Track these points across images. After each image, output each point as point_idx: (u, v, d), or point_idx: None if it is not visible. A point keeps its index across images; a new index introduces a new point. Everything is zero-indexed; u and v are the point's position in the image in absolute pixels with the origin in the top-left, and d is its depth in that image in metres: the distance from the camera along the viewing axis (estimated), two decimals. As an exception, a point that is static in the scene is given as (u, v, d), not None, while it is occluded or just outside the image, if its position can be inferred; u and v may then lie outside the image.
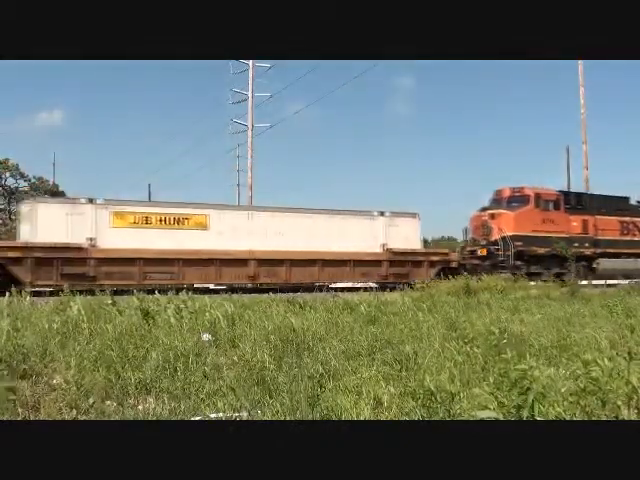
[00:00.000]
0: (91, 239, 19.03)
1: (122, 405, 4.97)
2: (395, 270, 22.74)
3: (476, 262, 23.28)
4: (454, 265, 23.33)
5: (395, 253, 22.76)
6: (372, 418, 4.32)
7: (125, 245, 19.23)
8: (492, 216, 23.96)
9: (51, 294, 15.97)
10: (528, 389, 3.54)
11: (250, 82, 35.89)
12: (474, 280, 17.54)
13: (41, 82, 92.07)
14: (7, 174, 49.39)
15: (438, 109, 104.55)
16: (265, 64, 36.21)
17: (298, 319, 8.84)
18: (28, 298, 11.76)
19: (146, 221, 20.01)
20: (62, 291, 13.00)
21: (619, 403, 3.59)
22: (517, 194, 24.58)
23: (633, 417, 3.53)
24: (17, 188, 49.19)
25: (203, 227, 20.65)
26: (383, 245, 22.87)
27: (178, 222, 20.42)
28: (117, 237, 19.33)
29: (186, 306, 10.44)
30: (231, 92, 37.77)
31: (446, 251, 24.48)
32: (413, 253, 23.19)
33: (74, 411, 4.67)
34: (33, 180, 50.40)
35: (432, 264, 23.17)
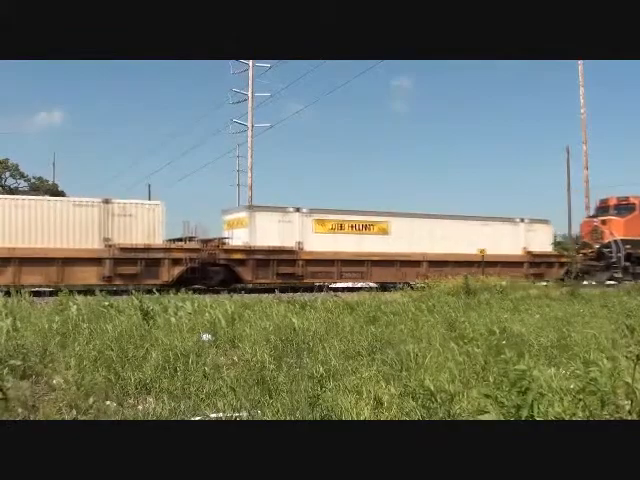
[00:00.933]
0: (299, 243, 21.99)
1: (122, 405, 4.97)
2: (534, 270, 25.52)
3: (591, 263, 25.63)
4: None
5: (534, 255, 25.78)
6: (372, 418, 4.32)
7: (325, 248, 22.12)
8: (603, 222, 26.66)
9: (51, 294, 15.98)
10: (527, 389, 3.54)
11: (250, 82, 35.88)
12: (473, 280, 17.56)
13: (41, 82, 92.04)
14: (7, 174, 49.40)
15: (438, 108, 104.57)
16: (265, 64, 36.23)
17: (298, 319, 8.84)
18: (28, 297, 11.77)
19: (340, 227, 22.97)
20: (61, 291, 13.07)
21: (619, 403, 3.59)
22: (623, 203, 27.35)
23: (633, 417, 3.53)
24: (17, 188, 49.19)
25: (384, 232, 23.64)
26: (524, 248, 25.88)
27: (365, 228, 23.36)
28: (318, 241, 22.27)
29: (186, 306, 10.44)
30: (231, 92, 37.78)
31: (573, 254, 26.04)
32: (548, 255, 25.96)
33: (74, 411, 4.68)
34: (33, 180, 50.41)
35: (561, 265, 25.44)
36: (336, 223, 22.85)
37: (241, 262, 20.92)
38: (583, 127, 34.42)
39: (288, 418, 4.36)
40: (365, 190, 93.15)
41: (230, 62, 36.63)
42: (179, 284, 18.09)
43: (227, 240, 21.79)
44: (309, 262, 21.84)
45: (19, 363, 5.55)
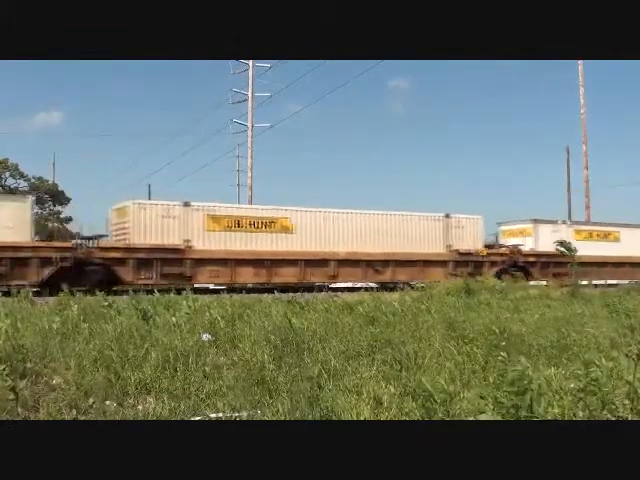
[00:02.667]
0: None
1: (122, 405, 4.97)
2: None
3: None
4: None
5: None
6: (372, 418, 4.32)
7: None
8: None
9: (51, 294, 15.96)
10: (526, 389, 3.54)
11: (250, 82, 35.89)
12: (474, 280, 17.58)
13: (41, 82, 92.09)
14: (7, 174, 49.40)
15: (437, 109, 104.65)
16: (265, 64, 36.23)
17: (298, 319, 8.83)
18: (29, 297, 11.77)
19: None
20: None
21: (620, 403, 3.59)
22: None
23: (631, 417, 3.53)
24: (17, 188, 49.19)
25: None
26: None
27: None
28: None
29: (187, 306, 10.44)
30: (231, 92, 37.78)
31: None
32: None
33: (74, 411, 4.68)
34: (33, 180, 50.40)
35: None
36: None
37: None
38: (583, 127, 34.45)
39: (288, 418, 4.36)
40: (365, 190, 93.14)
41: (230, 62, 36.68)
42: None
43: None
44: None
45: (19, 363, 5.55)
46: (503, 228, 28.83)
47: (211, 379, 5.65)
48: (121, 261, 19.40)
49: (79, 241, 19.42)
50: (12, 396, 4.52)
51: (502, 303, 12.78)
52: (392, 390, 4.92)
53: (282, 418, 4.38)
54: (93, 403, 4.83)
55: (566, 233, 26.93)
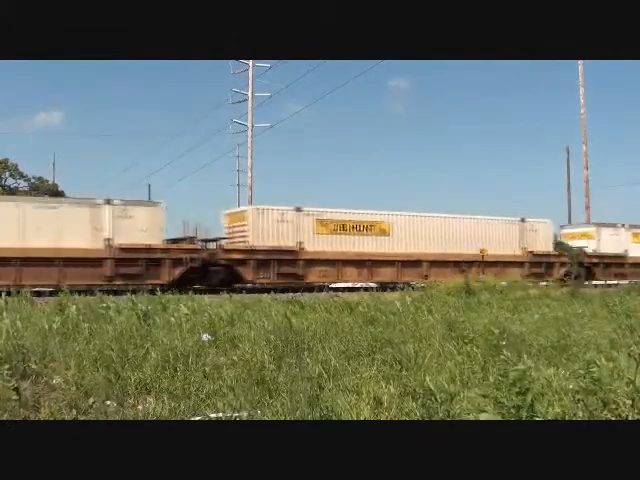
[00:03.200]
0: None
1: (122, 405, 4.97)
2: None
3: None
4: None
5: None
6: (372, 418, 4.32)
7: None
8: None
9: (51, 294, 15.97)
10: (527, 389, 3.54)
11: (250, 82, 35.89)
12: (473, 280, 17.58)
13: (41, 82, 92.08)
14: (7, 174, 49.40)
15: (437, 109, 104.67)
16: (265, 64, 36.23)
17: (298, 319, 8.84)
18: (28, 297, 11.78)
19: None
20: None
21: (621, 402, 3.59)
22: None
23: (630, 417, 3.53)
24: (17, 188, 49.19)
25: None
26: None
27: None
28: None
29: (186, 306, 10.44)
30: (231, 92, 37.79)
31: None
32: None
33: (74, 411, 4.68)
34: (33, 180, 50.39)
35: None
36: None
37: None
38: (583, 127, 34.45)
39: (288, 418, 4.36)
40: (364, 190, 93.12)
41: (230, 62, 36.68)
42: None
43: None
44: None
45: (19, 363, 5.55)
46: (565, 231, 30.87)
47: (211, 379, 5.65)
48: (242, 262, 21.14)
49: (205, 243, 21.23)
50: (15, 396, 4.53)
51: (502, 303, 12.79)
52: (392, 390, 4.92)
53: (282, 418, 4.38)
54: (93, 403, 4.83)
55: (625, 236, 29.39)
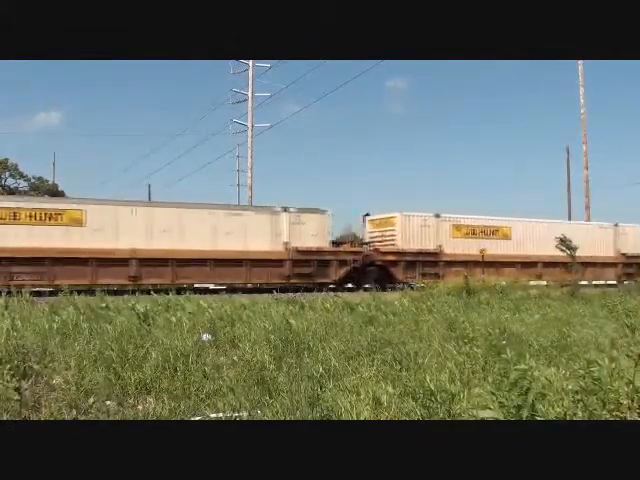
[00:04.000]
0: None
1: (122, 405, 4.97)
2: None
3: None
4: None
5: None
6: (372, 418, 4.31)
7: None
8: None
9: (51, 294, 15.97)
10: (528, 389, 3.54)
11: (250, 82, 35.88)
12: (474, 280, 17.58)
13: (41, 82, 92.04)
14: (7, 174, 49.39)
15: (436, 109, 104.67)
16: (265, 64, 36.23)
17: (298, 319, 8.84)
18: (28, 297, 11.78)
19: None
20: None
21: (622, 402, 3.59)
22: None
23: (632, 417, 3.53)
24: (17, 188, 49.17)
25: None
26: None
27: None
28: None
29: (185, 307, 10.44)
30: (231, 92, 37.79)
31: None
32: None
33: (74, 411, 4.68)
34: (33, 180, 50.39)
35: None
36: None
37: None
38: (583, 127, 34.43)
39: (288, 418, 4.36)
40: (364, 191, 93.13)
41: (230, 62, 36.67)
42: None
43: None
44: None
45: (19, 363, 5.55)
46: None
47: (211, 379, 5.65)
48: (394, 263, 23.83)
49: (368, 246, 24.17)
50: (17, 397, 4.53)
51: (502, 303, 12.79)
52: (392, 390, 4.92)
53: (282, 418, 4.38)
54: (93, 403, 4.83)
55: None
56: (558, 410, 3.65)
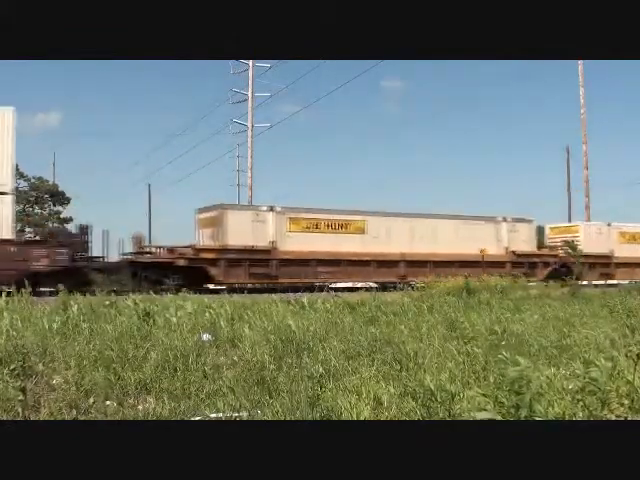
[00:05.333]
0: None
1: (122, 405, 4.97)
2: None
3: None
4: None
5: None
6: (372, 418, 4.31)
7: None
8: None
9: (51, 294, 15.96)
10: (527, 389, 3.54)
11: (250, 82, 35.89)
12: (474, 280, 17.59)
13: (41, 82, 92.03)
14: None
15: (436, 109, 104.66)
16: (265, 64, 36.24)
17: (298, 319, 8.84)
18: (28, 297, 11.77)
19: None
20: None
21: (622, 402, 3.59)
22: None
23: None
24: (17, 188, 49.09)
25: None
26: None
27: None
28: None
29: (185, 307, 10.45)
30: (231, 92, 37.82)
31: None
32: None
33: (74, 411, 4.68)
34: (33, 180, 50.33)
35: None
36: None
37: None
38: (583, 127, 34.43)
39: (288, 418, 4.36)
40: (365, 191, 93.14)
41: (230, 62, 36.68)
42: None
43: None
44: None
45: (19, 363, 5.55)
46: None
47: (211, 379, 5.65)
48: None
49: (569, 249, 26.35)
50: (21, 397, 4.53)
51: (502, 303, 12.79)
52: (392, 390, 4.92)
53: (282, 418, 4.38)
54: (93, 403, 4.83)
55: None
56: (557, 410, 3.65)
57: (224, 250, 20.78)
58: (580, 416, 3.62)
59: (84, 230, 20.14)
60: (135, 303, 10.34)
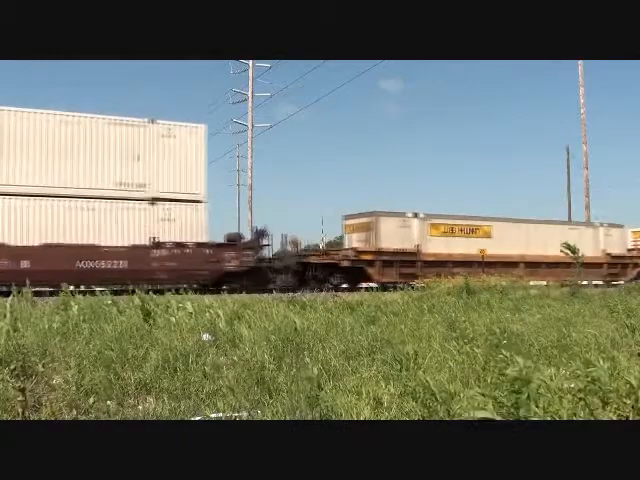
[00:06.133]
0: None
1: (122, 405, 4.97)
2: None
3: None
4: None
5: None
6: (372, 418, 4.31)
7: None
8: None
9: (51, 294, 15.97)
10: (527, 389, 3.54)
11: (250, 82, 35.89)
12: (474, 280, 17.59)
13: (41, 82, 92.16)
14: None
15: (436, 109, 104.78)
16: (265, 64, 36.24)
17: (298, 319, 8.83)
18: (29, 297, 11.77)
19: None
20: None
21: (621, 402, 3.59)
22: None
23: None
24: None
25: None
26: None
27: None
28: None
29: (186, 307, 10.45)
30: (231, 92, 37.83)
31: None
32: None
33: (74, 411, 4.68)
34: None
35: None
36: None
37: None
38: (583, 127, 34.42)
39: (288, 418, 4.36)
40: (364, 191, 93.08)
41: (230, 62, 36.69)
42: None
43: None
44: None
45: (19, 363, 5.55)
46: None
47: (211, 379, 5.65)
48: None
49: None
50: (21, 397, 4.53)
51: (502, 303, 12.79)
52: (392, 390, 4.91)
53: (282, 418, 4.38)
54: (93, 403, 4.83)
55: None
56: (557, 409, 3.65)
57: (379, 252, 23.62)
58: (581, 416, 3.62)
59: (261, 233, 22.83)
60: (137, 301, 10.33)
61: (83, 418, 4.53)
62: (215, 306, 10.65)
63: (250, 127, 35.82)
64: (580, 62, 33.86)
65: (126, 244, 19.01)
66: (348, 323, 8.98)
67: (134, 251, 18.96)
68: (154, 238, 19.42)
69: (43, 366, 5.80)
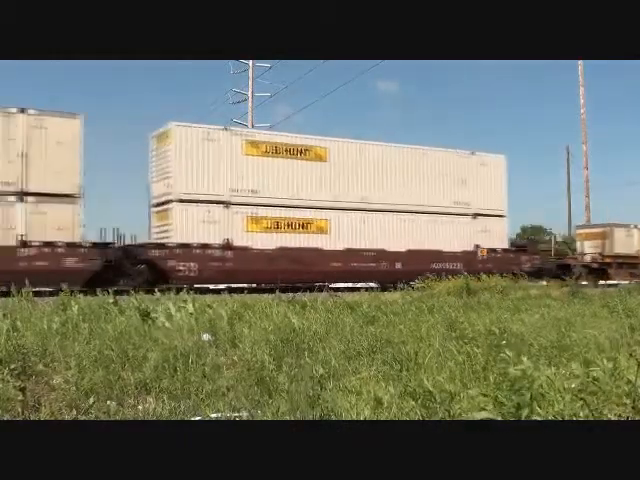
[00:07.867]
0: None
1: (122, 405, 4.96)
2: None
3: None
4: None
5: None
6: (372, 418, 4.31)
7: None
8: None
9: (51, 294, 15.98)
10: (527, 389, 3.54)
11: (250, 82, 35.91)
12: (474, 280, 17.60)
13: (41, 82, 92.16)
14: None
15: (435, 109, 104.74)
16: (265, 64, 36.26)
17: (298, 319, 8.83)
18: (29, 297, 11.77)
19: None
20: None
21: (624, 402, 3.58)
22: None
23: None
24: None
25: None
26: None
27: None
28: None
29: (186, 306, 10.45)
30: (231, 92, 37.85)
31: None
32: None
33: (74, 411, 4.68)
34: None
35: None
36: None
37: None
38: (583, 127, 34.44)
39: (288, 418, 4.36)
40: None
41: (230, 62, 36.70)
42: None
43: None
44: None
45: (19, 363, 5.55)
46: None
47: (211, 379, 5.65)
48: None
49: None
50: (21, 397, 4.53)
51: (502, 303, 12.79)
52: (392, 390, 4.91)
53: (282, 418, 4.38)
54: (93, 403, 4.83)
55: None
56: (557, 409, 3.65)
57: (615, 257, 28.64)
58: (581, 416, 3.62)
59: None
60: (135, 302, 10.33)
61: (83, 418, 4.53)
62: (215, 306, 10.63)
63: (250, 127, 35.83)
64: (580, 62, 33.87)
65: (459, 250, 24.52)
66: (348, 323, 8.98)
67: (465, 255, 24.72)
68: (477, 245, 25.39)
69: (43, 365, 5.80)
